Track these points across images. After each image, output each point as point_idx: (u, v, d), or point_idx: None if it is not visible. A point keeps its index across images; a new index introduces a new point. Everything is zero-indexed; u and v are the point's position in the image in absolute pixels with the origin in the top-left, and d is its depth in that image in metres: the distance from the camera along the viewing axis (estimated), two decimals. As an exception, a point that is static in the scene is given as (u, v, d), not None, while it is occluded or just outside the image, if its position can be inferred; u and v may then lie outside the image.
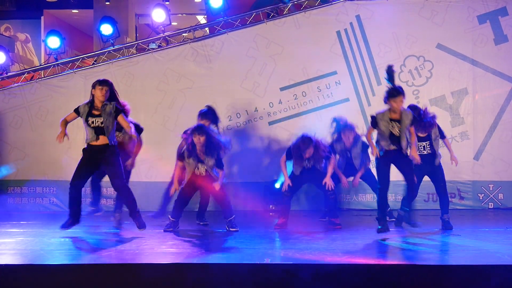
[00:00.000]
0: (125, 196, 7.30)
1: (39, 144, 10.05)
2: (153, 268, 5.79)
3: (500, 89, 10.10)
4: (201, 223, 8.48)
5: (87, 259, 6.25)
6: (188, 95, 10.11)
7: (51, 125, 10.10)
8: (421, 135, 7.84)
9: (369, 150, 7.93)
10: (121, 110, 7.17)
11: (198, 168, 7.73)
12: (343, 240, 7.21)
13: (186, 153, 7.71)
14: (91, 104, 7.09)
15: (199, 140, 7.61)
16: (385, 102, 7.26)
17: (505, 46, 10.12)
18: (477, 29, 10.14)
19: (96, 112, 7.05)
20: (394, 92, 7.17)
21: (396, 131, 7.20)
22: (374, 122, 7.30)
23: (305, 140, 7.86)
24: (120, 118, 7.11)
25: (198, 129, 7.63)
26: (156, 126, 9.95)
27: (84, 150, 7.18)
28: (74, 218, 7.23)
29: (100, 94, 7.03)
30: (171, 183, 8.21)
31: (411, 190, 7.46)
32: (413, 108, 7.79)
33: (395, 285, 5.40)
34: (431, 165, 7.81)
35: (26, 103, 10.21)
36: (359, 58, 10.20)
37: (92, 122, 7.03)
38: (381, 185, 7.33)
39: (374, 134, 7.44)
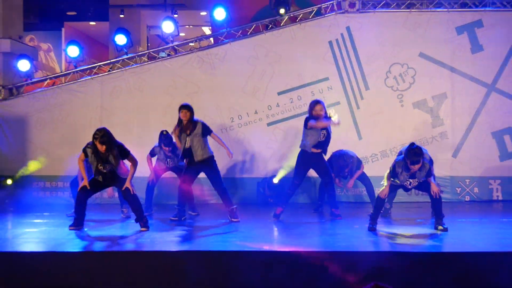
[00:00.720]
0: (135, 204, 7.14)
1: (60, 143, 10.06)
2: (163, 255, 5.82)
3: (476, 94, 10.10)
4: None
5: (103, 246, 6.28)
6: (195, 99, 10.10)
7: (71, 126, 10.16)
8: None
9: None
10: (127, 151, 7.05)
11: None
12: (334, 229, 7.24)
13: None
14: (96, 153, 6.91)
15: (185, 115, 7.75)
16: (403, 159, 6.84)
17: (480, 54, 10.13)
18: (456, 39, 10.14)
19: (103, 159, 6.94)
20: (414, 159, 6.68)
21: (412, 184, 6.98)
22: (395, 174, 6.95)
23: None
24: (130, 159, 7.07)
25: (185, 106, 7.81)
26: (165, 127, 9.81)
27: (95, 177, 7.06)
28: (80, 221, 7.14)
29: (101, 149, 6.85)
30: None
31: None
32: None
33: (380, 270, 5.42)
34: None
35: (48, 106, 10.23)
36: (349, 65, 10.20)
37: (103, 167, 6.96)
38: (384, 197, 7.05)
39: None
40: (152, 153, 8.67)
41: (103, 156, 6.92)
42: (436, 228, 6.94)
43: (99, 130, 6.91)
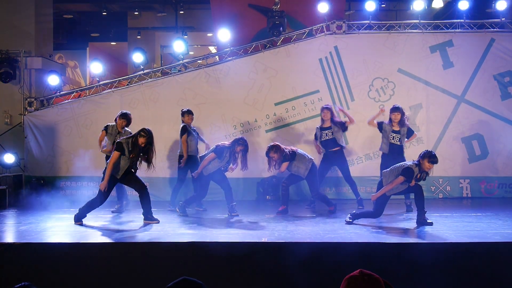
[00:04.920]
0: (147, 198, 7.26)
1: (85, 148, 10.02)
2: (175, 245, 5.80)
3: (448, 104, 10.08)
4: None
5: (122, 238, 6.27)
6: (202, 109, 10.10)
7: (94, 133, 10.09)
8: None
9: None
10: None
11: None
12: (324, 223, 7.22)
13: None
14: (133, 145, 7.04)
15: (240, 149, 7.86)
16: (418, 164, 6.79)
17: (451, 70, 10.11)
18: (429, 57, 10.14)
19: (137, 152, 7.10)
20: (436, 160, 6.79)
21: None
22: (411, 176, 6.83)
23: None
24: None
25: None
26: (176, 134, 9.90)
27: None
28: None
29: (141, 142, 7.09)
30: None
31: None
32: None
33: (362, 259, 5.41)
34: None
35: (74, 115, 10.21)
36: (337, 79, 10.19)
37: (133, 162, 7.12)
38: None
39: None
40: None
41: (137, 151, 7.02)
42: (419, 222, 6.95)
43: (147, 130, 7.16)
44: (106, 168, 7.12)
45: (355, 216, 7.08)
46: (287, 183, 8.18)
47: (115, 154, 7.01)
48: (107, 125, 8.44)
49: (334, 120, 8.62)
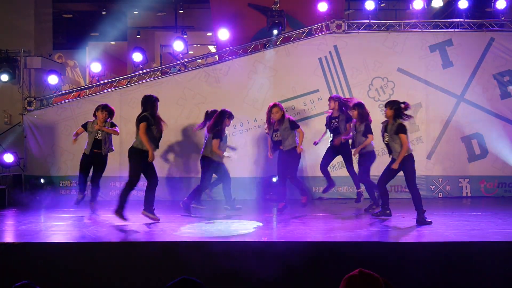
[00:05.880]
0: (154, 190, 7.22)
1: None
2: (174, 245, 5.80)
3: (447, 104, 10.08)
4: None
5: (122, 238, 6.27)
6: (202, 109, 10.06)
7: (94, 132, 10.13)
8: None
9: None
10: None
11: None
12: (325, 223, 7.22)
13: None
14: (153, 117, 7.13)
15: (229, 122, 8.31)
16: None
17: (451, 69, 10.11)
18: (429, 56, 10.13)
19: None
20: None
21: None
22: None
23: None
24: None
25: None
26: (176, 133, 9.96)
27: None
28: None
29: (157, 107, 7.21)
30: None
31: None
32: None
33: (361, 258, 5.40)
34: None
35: (74, 115, 10.18)
36: (336, 79, 10.18)
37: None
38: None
39: None
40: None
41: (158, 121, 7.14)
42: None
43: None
44: (131, 149, 7.03)
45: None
46: (281, 179, 8.14)
47: (143, 125, 6.86)
48: (87, 122, 8.35)
49: (343, 110, 8.45)
